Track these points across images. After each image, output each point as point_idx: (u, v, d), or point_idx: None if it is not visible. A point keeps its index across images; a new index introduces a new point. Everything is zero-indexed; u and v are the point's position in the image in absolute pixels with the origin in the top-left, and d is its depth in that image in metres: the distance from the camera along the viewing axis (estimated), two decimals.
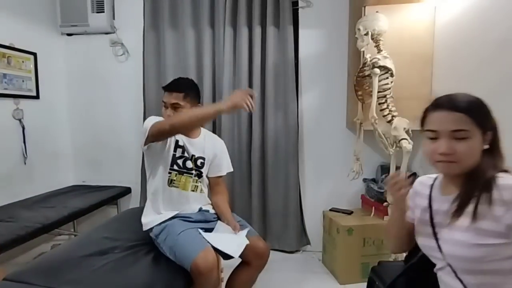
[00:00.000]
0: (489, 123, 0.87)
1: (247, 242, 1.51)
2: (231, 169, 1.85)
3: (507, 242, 0.80)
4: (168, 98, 1.62)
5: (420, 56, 2.06)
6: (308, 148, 2.65)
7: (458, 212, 0.86)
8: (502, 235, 0.80)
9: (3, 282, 1.27)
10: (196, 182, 1.71)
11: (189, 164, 1.66)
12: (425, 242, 0.97)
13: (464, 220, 0.85)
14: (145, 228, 1.63)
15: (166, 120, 1.56)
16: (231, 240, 1.54)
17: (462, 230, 0.85)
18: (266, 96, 2.53)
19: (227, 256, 1.58)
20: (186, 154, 1.66)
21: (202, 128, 1.76)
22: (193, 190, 1.69)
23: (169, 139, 1.61)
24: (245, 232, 1.58)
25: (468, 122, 0.84)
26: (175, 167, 1.65)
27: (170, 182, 1.64)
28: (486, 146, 0.86)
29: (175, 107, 1.61)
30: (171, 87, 1.64)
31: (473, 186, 0.85)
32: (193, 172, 1.68)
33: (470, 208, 0.84)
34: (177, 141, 1.64)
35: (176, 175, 1.65)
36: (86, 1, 2.63)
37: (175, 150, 1.64)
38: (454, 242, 0.87)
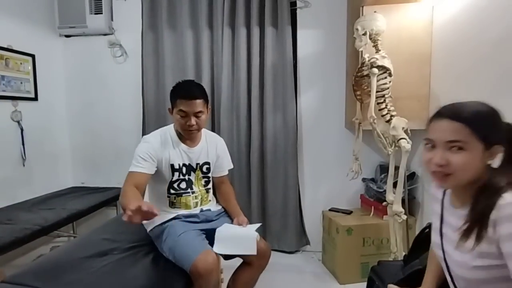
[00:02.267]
0: (497, 136, 0.80)
1: (256, 234, 1.51)
2: (231, 166, 1.87)
3: (502, 264, 0.75)
4: (191, 107, 1.47)
5: (418, 56, 2.07)
6: (307, 148, 2.65)
7: (465, 236, 0.80)
8: (497, 256, 0.76)
9: (2, 285, 1.26)
10: (206, 193, 1.71)
11: (183, 184, 1.64)
12: (435, 250, 0.95)
13: (469, 241, 0.80)
14: (146, 227, 1.63)
15: (124, 191, 1.36)
16: (240, 238, 1.52)
17: (464, 251, 0.82)
18: (264, 96, 2.53)
19: (227, 257, 1.59)
20: (181, 176, 1.63)
21: (202, 130, 1.69)
22: (195, 206, 1.67)
23: (163, 171, 1.57)
24: (255, 226, 1.58)
25: (466, 133, 0.78)
26: (172, 191, 1.63)
27: (172, 205, 1.64)
28: (491, 161, 0.80)
29: (197, 116, 1.51)
30: (193, 94, 1.48)
31: (484, 209, 0.77)
32: (193, 189, 1.66)
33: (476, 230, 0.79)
34: (172, 166, 1.59)
35: (175, 198, 1.64)
36: (84, 2, 2.63)
37: (172, 176, 1.61)
38: (456, 262, 0.85)
